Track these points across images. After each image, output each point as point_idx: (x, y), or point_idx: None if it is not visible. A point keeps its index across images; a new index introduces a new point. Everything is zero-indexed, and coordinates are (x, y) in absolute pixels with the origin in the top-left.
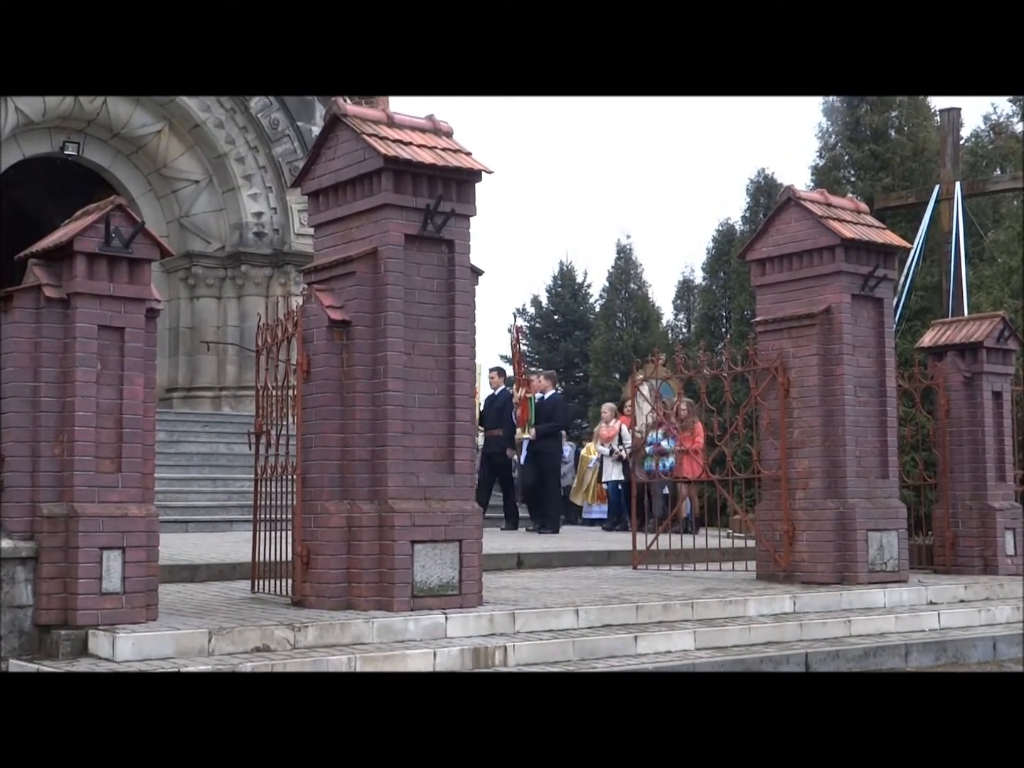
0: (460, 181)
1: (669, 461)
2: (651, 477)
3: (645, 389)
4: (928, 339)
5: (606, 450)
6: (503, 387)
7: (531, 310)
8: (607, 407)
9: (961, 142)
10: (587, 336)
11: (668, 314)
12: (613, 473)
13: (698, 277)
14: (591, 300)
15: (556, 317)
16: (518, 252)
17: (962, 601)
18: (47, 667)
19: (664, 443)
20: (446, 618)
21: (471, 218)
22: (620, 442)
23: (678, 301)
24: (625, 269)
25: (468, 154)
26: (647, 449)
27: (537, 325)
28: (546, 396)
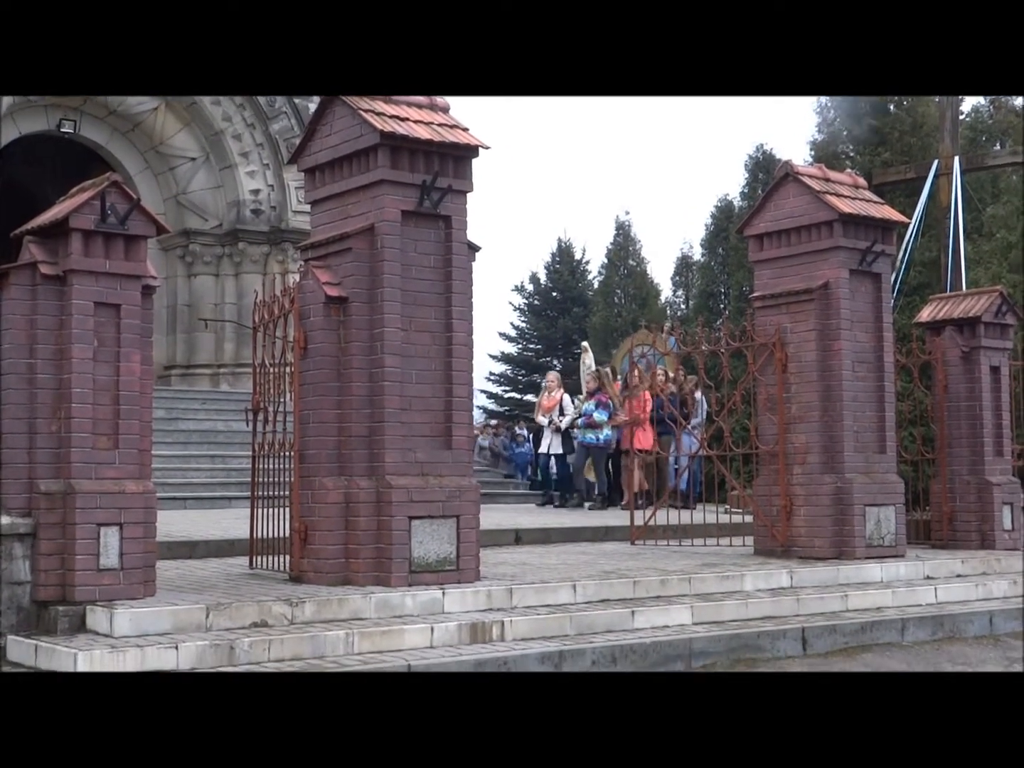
0: (457, 157)
1: (604, 433)
2: (585, 449)
3: (589, 359)
4: (926, 314)
5: (545, 420)
6: None
7: (529, 287)
8: (551, 376)
9: (960, 117)
10: (586, 313)
11: (667, 290)
12: (552, 445)
13: (697, 253)
14: (589, 277)
15: (554, 294)
16: (517, 229)
17: (959, 576)
18: (45, 643)
19: (596, 415)
20: (443, 593)
21: (468, 194)
22: (561, 413)
23: (677, 277)
24: (624, 246)
25: (465, 130)
26: (579, 421)
27: (535, 302)
28: None
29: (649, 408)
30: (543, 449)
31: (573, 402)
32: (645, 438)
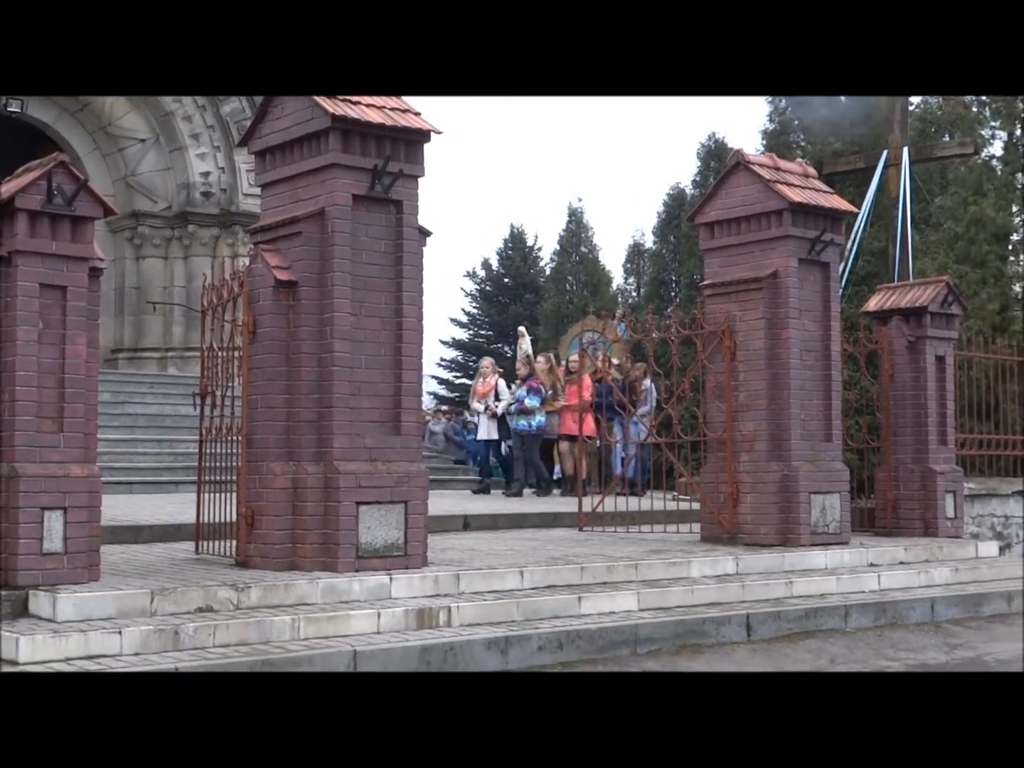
0: (409, 141)
1: (536, 420)
2: (520, 436)
3: (525, 344)
4: (873, 303)
5: (480, 407)
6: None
7: (481, 273)
8: (485, 361)
9: (910, 108)
10: (537, 299)
11: (618, 278)
12: (488, 431)
13: (648, 241)
14: (541, 263)
15: (506, 280)
16: (469, 214)
17: (902, 563)
18: None
19: (528, 401)
20: (391, 579)
21: (420, 179)
22: (496, 398)
23: (628, 265)
24: (576, 232)
25: (417, 114)
26: (512, 407)
27: (487, 288)
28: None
29: (589, 394)
30: (480, 436)
31: (509, 388)
32: (585, 424)
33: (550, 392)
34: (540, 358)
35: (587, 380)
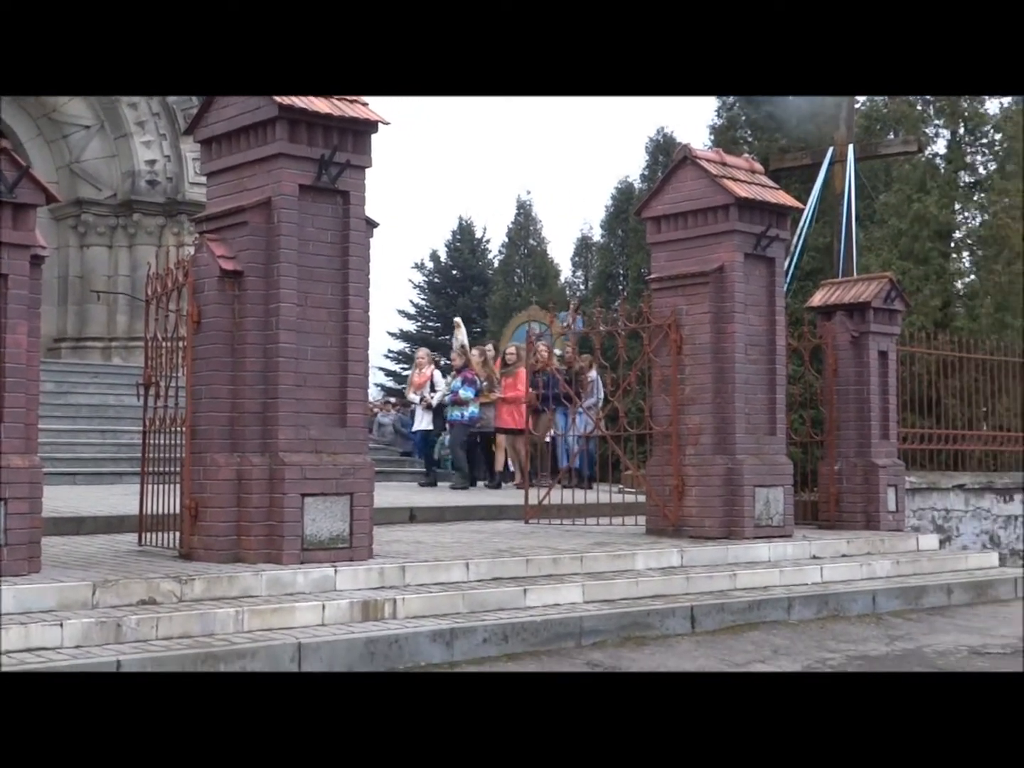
0: (356, 132)
1: (468, 411)
2: (453, 427)
3: (461, 335)
4: (818, 299)
5: (416, 398)
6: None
7: (429, 264)
8: (421, 352)
9: (856, 105)
10: (485, 292)
11: (566, 271)
12: (423, 422)
13: (596, 235)
14: (490, 256)
15: (455, 272)
16: (418, 206)
17: (844, 556)
18: None
19: (462, 392)
20: (336, 571)
21: (367, 169)
22: (432, 389)
23: (576, 258)
24: (524, 225)
25: (364, 105)
26: (446, 399)
27: (435, 280)
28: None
29: (524, 386)
30: (416, 427)
31: (445, 379)
32: (520, 416)
33: (485, 384)
34: (475, 350)
35: (522, 372)
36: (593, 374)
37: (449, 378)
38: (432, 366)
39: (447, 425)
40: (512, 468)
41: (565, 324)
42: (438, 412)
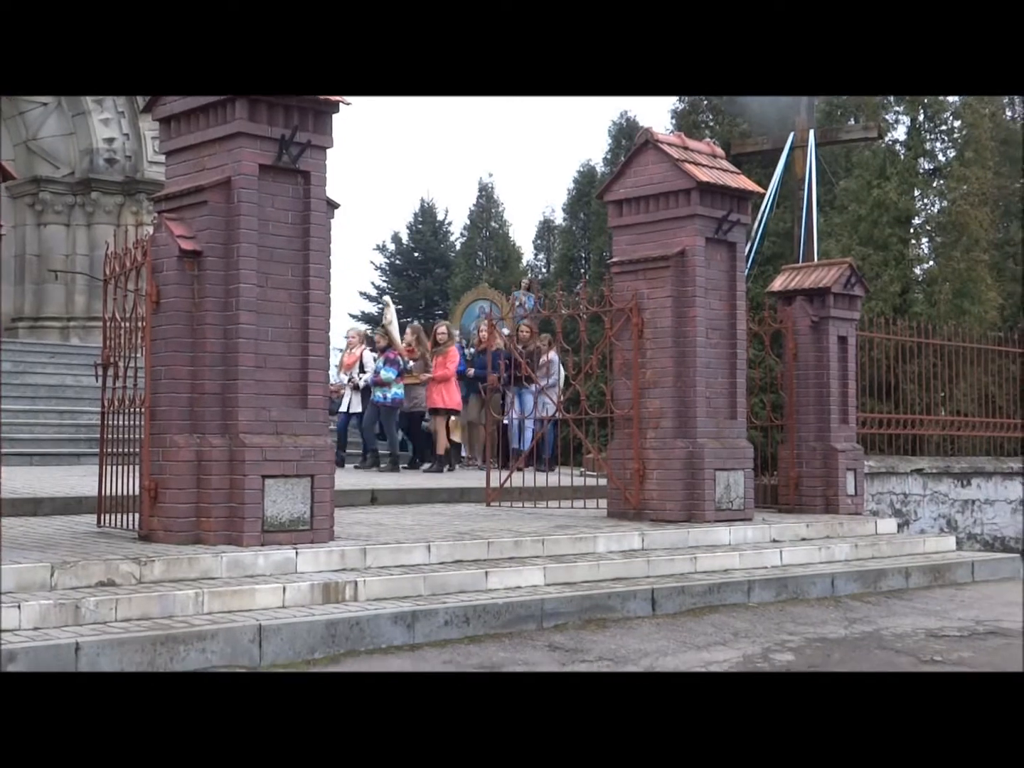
0: (317, 112)
1: (391, 392)
2: (378, 409)
3: (390, 314)
4: (778, 284)
5: (344, 378)
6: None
7: (391, 247)
8: (352, 331)
9: None
10: (447, 274)
11: (528, 254)
12: (352, 404)
13: (559, 218)
14: (452, 238)
15: (416, 254)
16: (379, 188)
17: (803, 539)
18: None
19: (383, 372)
20: (297, 553)
21: (328, 150)
22: (361, 370)
23: (538, 241)
24: (487, 208)
25: None
26: (368, 378)
27: (397, 262)
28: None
29: (455, 366)
30: (342, 408)
31: (375, 359)
32: (450, 396)
33: (412, 364)
34: (408, 330)
35: (453, 351)
36: (552, 355)
37: (374, 357)
38: (363, 346)
39: (368, 406)
40: (465, 452)
41: (518, 303)
42: (367, 393)
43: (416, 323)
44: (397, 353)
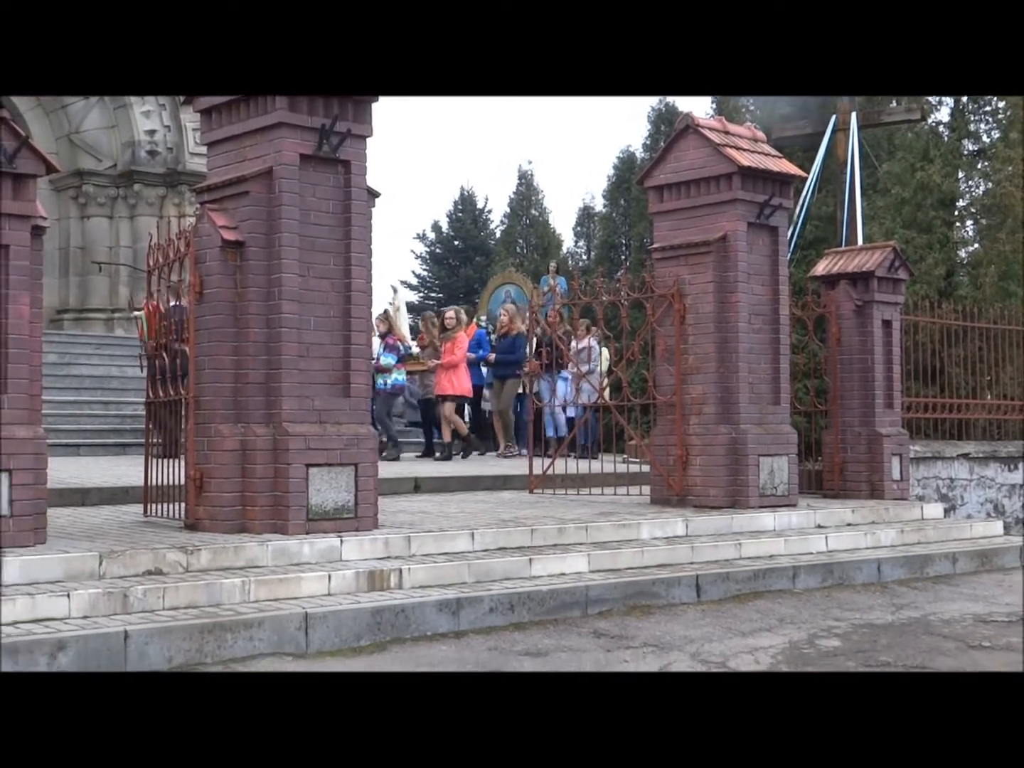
0: (356, 101)
1: (392, 378)
2: (381, 395)
3: (397, 299)
4: (821, 268)
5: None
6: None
7: (432, 235)
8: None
9: None
10: (488, 262)
11: (568, 241)
12: None
13: (599, 204)
14: (492, 226)
15: (456, 243)
16: (420, 176)
17: (849, 524)
18: None
19: (383, 359)
20: (341, 541)
21: (368, 139)
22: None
23: (579, 228)
24: (526, 195)
25: None
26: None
27: (437, 250)
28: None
29: (463, 352)
30: None
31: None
32: (460, 382)
33: (418, 351)
34: (378, 318)
35: (461, 337)
36: (592, 341)
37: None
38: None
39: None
40: (500, 439)
41: (546, 288)
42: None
43: (429, 312)
44: (397, 339)
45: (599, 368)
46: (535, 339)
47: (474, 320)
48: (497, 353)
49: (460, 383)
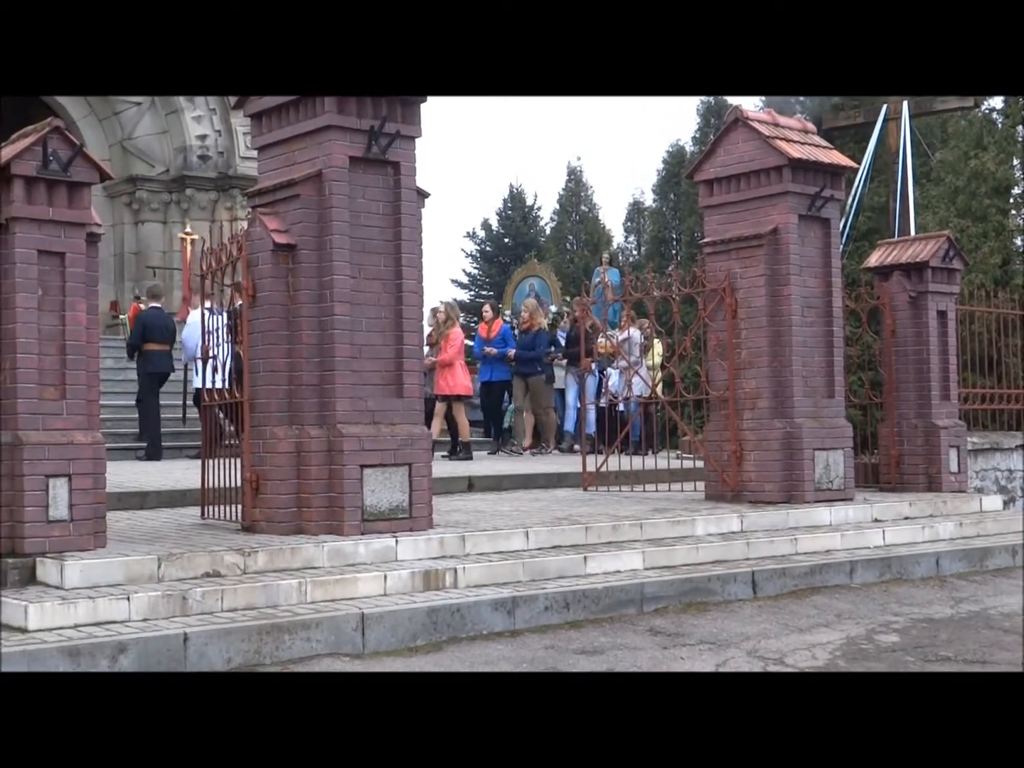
0: (405, 102)
1: None
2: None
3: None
4: (874, 259)
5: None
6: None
7: (481, 233)
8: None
9: None
10: (538, 259)
11: (619, 236)
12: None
13: (648, 199)
14: (541, 223)
15: (506, 240)
16: (469, 175)
17: (906, 518)
18: None
19: None
20: (396, 541)
21: (417, 140)
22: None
23: (628, 223)
24: (575, 191)
25: None
26: None
27: (487, 248)
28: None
29: (455, 349)
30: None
31: None
32: (455, 381)
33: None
34: (431, 311)
35: (452, 334)
36: (634, 331)
37: None
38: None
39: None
40: (515, 438)
41: (597, 280)
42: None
43: (436, 306)
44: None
45: (644, 361)
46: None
47: (498, 314)
48: (518, 349)
49: (455, 382)
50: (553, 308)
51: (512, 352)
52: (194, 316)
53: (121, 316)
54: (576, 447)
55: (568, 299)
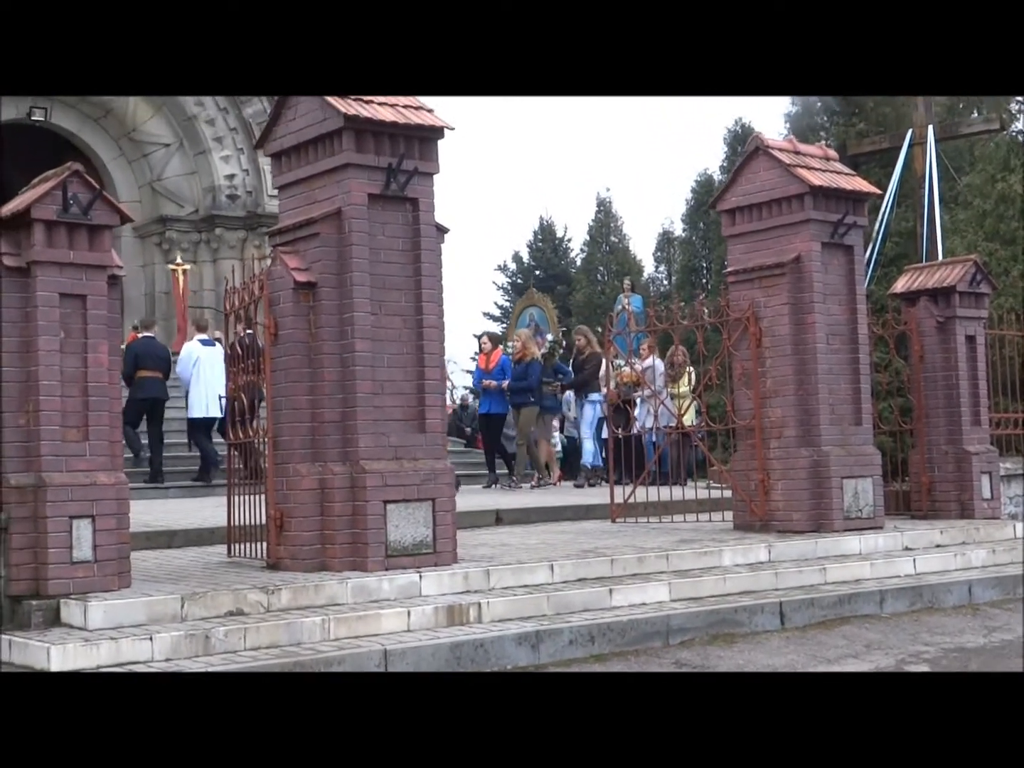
0: (422, 139)
1: None
2: None
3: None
4: (901, 284)
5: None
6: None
7: (512, 266)
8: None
9: None
10: (569, 290)
11: (649, 266)
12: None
13: (678, 229)
14: (572, 254)
15: (537, 272)
16: (499, 208)
17: (938, 546)
18: (18, 637)
19: None
20: (420, 577)
21: (435, 176)
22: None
23: (659, 253)
24: (605, 222)
25: (430, 111)
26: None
27: (519, 280)
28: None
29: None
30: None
31: None
32: None
33: None
34: None
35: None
36: (652, 361)
37: None
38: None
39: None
40: (531, 469)
41: (619, 308)
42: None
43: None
44: None
45: (666, 390)
46: (603, 362)
47: (497, 346)
48: (511, 380)
49: None
50: (550, 337)
51: (506, 383)
52: (187, 349)
53: (122, 347)
54: (592, 482)
55: (566, 329)
